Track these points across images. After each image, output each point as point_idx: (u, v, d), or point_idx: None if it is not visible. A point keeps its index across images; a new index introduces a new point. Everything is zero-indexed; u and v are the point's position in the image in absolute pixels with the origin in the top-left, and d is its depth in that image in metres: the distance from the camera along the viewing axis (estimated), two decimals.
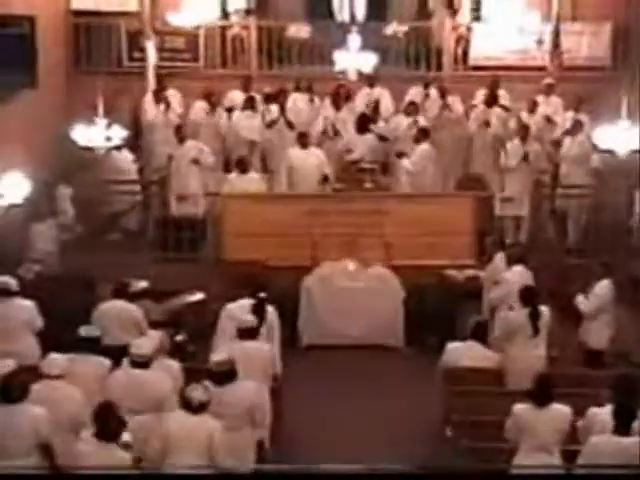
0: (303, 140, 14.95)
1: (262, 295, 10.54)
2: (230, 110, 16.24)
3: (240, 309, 10.51)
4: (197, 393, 8.00)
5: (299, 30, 17.85)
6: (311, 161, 14.82)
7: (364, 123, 15.54)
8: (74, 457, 7.64)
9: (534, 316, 10.44)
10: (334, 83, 16.29)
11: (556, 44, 16.77)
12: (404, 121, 15.90)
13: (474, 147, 16.30)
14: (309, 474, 6.68)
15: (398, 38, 17.74)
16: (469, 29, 17.74)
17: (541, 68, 17.06)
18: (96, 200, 15.25)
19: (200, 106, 16.29)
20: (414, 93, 16.53)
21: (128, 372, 8.98)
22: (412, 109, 15.95)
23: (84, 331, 9.53)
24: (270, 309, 10.64)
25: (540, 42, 17.04)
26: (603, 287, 11.44)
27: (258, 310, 10.30)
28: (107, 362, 9.38)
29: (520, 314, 10.53)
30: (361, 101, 16.47)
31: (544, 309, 10.59)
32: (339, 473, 6.71)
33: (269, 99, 16.27)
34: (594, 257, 12.82)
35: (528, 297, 10.55)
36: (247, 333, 9.74)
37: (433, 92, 16.50)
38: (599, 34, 17.44)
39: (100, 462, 7.41)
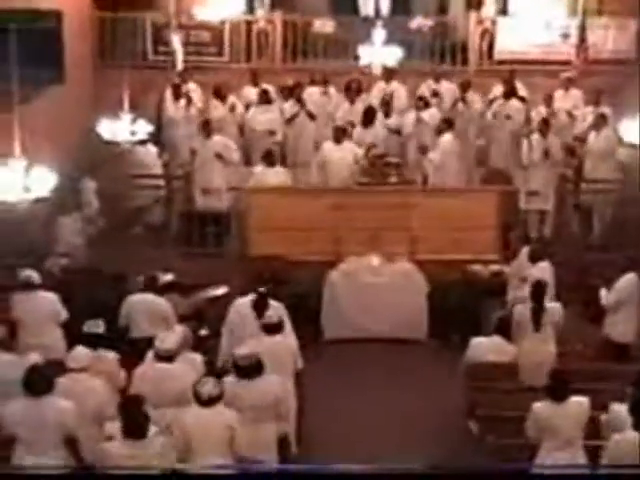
0: (338, 134, 14.72)
1: (262, 290, 10.34)
2: (248, 107, 16.26)
3: (245, 304, 10.43)
4: (207, 387, 8.02)
5: (324, 25, 17.88)
6: (345, 156, 14.62)
7: (371, 116, 15.42)
8: (104, 457, 7.61)
9: (537, 311, 10.43)
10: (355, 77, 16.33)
11: (582, 38, 16.67)
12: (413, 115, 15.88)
13: (493, 141, 16.27)
14: (328, 474, 6.70)
15: (423, 32, 17.75)
16: (494, 23, 17.72)
17: (566, 62, 16.97)
18: (120, 194, 15.28)
19: (214, 102, 16.28)
20: (425, 88, 16.51)
21: (153, 366, 9.03)
22: (421, 104, 15.89)
23: (87, 327, 9.50)
24: (277, 304, 10.34)
25: (566, 36, 17.00)
26: (627, 280, 11.36)
27: (258, 305, 10.14)
28: (115, 356, 9.45)
29: (525, 309, 10.53)
30: (376, 95, 16.41)
31: (552, 305, 10.59)
32: (359, 473, 6.73)
33: (285, 92, 16.27)
34: (619, 251, 12.75)
35: (535, 292, 10.53)
36: (271, 328, 9.69)
37: (445, 85, 16.49)
38: (625, 28, 17.40)
39: (132, 463, 7.41)
